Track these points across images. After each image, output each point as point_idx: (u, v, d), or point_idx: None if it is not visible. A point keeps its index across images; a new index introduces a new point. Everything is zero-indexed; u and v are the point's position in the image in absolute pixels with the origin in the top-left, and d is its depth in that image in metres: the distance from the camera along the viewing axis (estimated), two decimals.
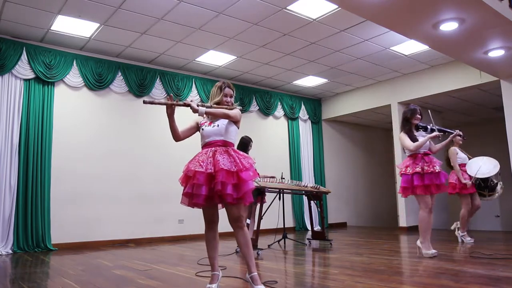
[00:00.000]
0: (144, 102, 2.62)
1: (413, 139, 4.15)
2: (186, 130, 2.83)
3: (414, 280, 3.11)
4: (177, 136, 2.77)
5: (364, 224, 10.32)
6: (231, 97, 2.87)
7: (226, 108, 2.76)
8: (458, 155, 5.38)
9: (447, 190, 4.23)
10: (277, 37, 6.17)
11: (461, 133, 4.43)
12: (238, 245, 2.75)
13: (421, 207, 4.16)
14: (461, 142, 5.48)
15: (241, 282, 3.09)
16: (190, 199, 2.65)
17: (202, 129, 2.80)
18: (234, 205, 2.64)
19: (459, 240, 5.38)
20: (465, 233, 5.38)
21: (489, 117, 10.13)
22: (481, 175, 5.04)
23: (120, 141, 6.73)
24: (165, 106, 2.64)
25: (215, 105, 2.76)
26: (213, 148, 2.70)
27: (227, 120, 2.77)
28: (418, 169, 4.04)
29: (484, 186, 5.07)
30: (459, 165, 5.32)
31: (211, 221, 2.80)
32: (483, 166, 5.08)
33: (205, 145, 2.77)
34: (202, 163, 2.62)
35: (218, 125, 2.76)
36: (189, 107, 2.63)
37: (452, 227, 5.62)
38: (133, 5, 5.09)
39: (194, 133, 2.88)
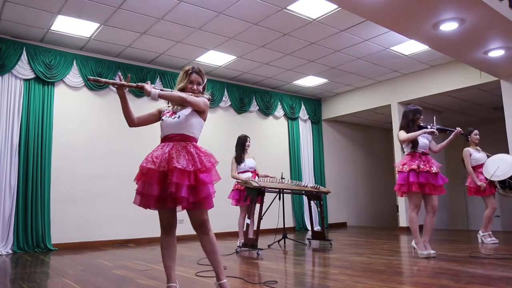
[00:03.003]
0: (88, 79, 2.29)
1: (413, 141, 4.15)
2: (144, 116, 2.51)
3: (414, 280, 3.11)
4: (130, 121, 2.45)
5: (364, 224, 10.32)
6: (198, 84, 2.51)
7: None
8: (472, 156, 5.18)
9: (443, 192, 4.20)
10: (277, 37, 6.17)
11: (459, 130, 4.29)
12: (204, 252, 2.44)
13: (410, 207, 4.16)
14: (477, 141, 5.29)
15: (241, 282, 3.09)
16: (141, 198, 2.36)
17: (162, 119, 2.47)
18: (195, 209, 2.34)
19: (479, 240, 5.19)
20: (487, 233, 5.15)
21: (489, 117, 10.12)
22: (497, 177, 4.90)
23: (120, 141, 6.73)
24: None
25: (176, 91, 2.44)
26: (170, 143, 2.38)
27: (189, 111, 2.44)
28: (414, 167, 4.04)
29: (504, 186, 4.94)
30: (476, 166, 5.15)
31: (168, 225, 2.45)
32: (499, 168, 4.91)
33: (163, 139, 2.45)
34: (155, 159, 2.32)
35: (179, 116, 2.42)
36: (142, 89, 2.31)
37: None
38: (133, 5, 5.09)
39: (154, 121, 2.54)
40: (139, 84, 2.32)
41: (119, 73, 2.41)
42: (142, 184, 2.35)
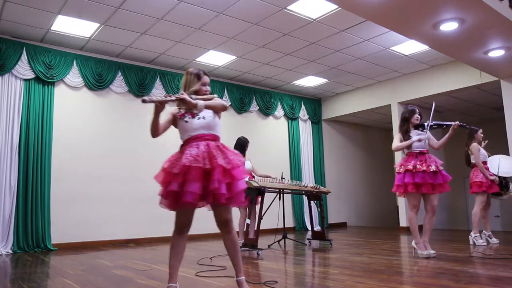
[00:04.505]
0: (144, 101, 2.28)
1: (406, 140, 4.16)
2: (164, 124, 2.52)
3: (414, 280, 3.11)
4: (157, 133, 2.48)
5: (364, 224, 10.32)
6: (208, 85, 2.63)
7: (208, 99, 2.50)
8: (481, 151, 5.13)
9: (445, 190, 4.16)
10: (277, 37, 6.17)
11: (457, 123, 4.14)
12: (226, 249, 2.53)
13: (408, 207, 4.17)
14: (481, 139, 5.26)
15: None
16: (175, 199, 2.35)
17: (186, 121, 2.48)
18: (224, 207, 2.43)
19: (471, 242, 5.05)
20: (478, 234, 5.06)
21: (489, 117, 10.13)
22: (505, 174, 4.92)
23: (120, 141, 6.73)
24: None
25: (196, 96, 2.49)
26: (203, 142, 2.43)
27: (211, 112, 2.52)
28: (409, 167, 4.04)
29: (504, 185, 4.98)
30: (483, 162, 5.10)
31: (186, 225, 2.48)
32: (504, 165, 4.96)
33: (190, 140, 2.46)
34: (197, 157, 2.34)
35: (204, 117, 2.49)
36: (182, 101, 2.37)
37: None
38: (133, 5, 5.09)
39: (169, 127, 2.57)
40: (178, 96, 2.37)
41: (167, 94, 2.46)
42: (178, 184, 2.32)
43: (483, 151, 5.20)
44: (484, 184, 5.04)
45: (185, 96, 2.38)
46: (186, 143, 2.48)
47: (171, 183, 2.35)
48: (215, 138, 2.51)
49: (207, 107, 2.45)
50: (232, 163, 2.39)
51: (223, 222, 2.48)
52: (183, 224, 2.48)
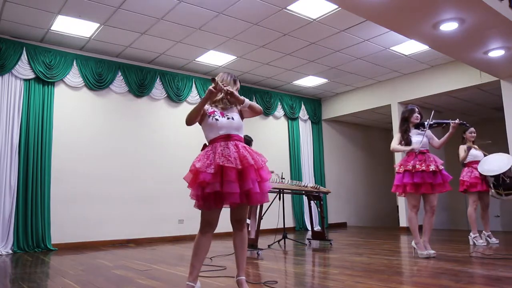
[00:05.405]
0: (213, 80, 2.39)
1: (406, 140, 4.17)
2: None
3: (414, 280, 3.11)
4: (196, 120, 2.50)
5: (364, 224, 10.32)
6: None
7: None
8: (471, 152, 5.13)
9: (445, 190, 4.14)
10: (277, 37, 6.17)
11: (457, 121, 4.17)
12: (234, 246, 2.60)
13: (408, 207, 4.18)
14: (472, 139, 5.24)
15: None
16: (215, 199, 2.35)
17: (216, 119, 2.49)
18: (243, 205, 2.49)
19: (471, 242, 5.04)
20: (477, 235, 5.04)
21: (489, 117, 10.12)
22: (489, 172, 4.84)
23: (120, 141, 6.73)
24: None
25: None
26: (232, 142, 2.45)
27: (238, 114, 2.59)
28: (408, 167, 4.05)
29: (497, 184, 4.83)
30: (472, 162, 5.11)
31: (213, 224, 2.50)
32: (494, 163, 4.88)
33: (218, 138, 2.47)
34: (229, 158, 2.35)
35: (233, 118, 2.52)
36: (231, 95, 2.43)
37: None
38: (133, 5, 5.09)
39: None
40: (229, 88, 2.44)
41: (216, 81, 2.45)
42: (220, 184, 2.31)
43: (473, 151, 5.19)
44: (465, 182, 5.06)
45: (234, 91, 2.46)
46: (214, 142, 2.48)
47: (209, 184, 2.31)
48: (241, 139, 2.55)
49: (250, 107, 2.54)
50: (257, 163, 2.44)
51: (240, 220, 2.57)
52: (211, 223, 2.48)
